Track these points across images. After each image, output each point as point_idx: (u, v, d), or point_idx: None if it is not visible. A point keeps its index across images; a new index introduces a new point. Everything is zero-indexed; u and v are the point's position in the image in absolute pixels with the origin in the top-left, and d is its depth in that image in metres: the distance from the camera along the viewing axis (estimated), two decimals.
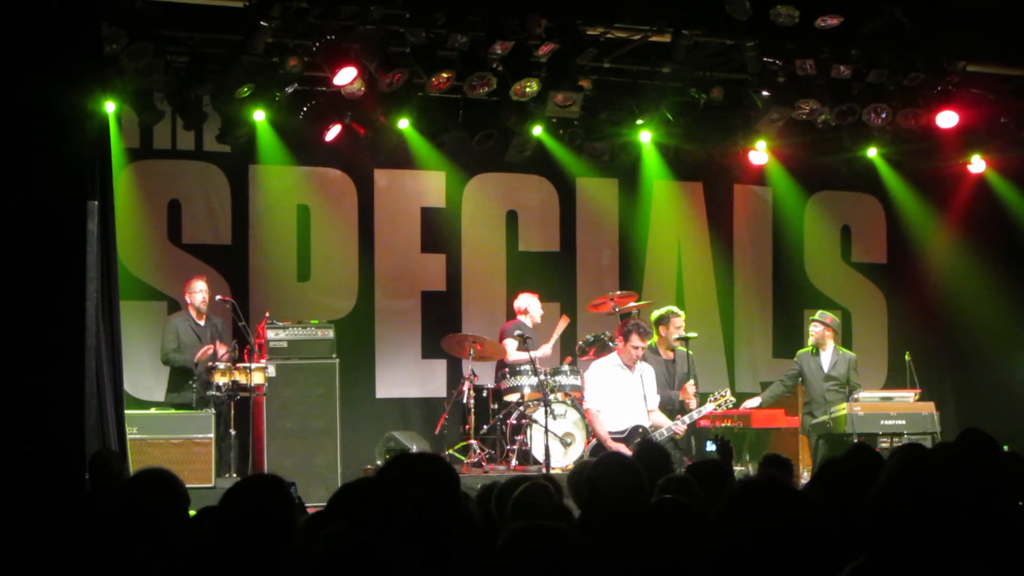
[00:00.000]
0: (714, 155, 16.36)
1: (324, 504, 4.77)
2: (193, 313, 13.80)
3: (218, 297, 13.90)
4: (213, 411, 13.12)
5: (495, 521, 5.94)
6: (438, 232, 16.19)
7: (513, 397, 14.10)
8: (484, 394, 14.32)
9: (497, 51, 12.68)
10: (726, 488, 4.08)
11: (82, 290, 9.29)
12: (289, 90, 13.56)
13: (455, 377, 15.33)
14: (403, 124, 14.48)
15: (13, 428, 7.51)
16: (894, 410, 14.46)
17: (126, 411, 12.20)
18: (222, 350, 13.38)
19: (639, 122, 15.22)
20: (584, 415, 13.48)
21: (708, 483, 6.03)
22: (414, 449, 13.92)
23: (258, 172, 15.39)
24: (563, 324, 15.02)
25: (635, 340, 13.04)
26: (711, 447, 12.44)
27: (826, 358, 14.81)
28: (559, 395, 13.77)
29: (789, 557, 3.65)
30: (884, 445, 13.48)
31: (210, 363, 13.33)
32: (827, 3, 12.56)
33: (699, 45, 13.51)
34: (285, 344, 13.83)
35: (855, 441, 13.63)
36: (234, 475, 13.18)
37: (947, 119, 14.59)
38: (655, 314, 14.15)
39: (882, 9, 12.88)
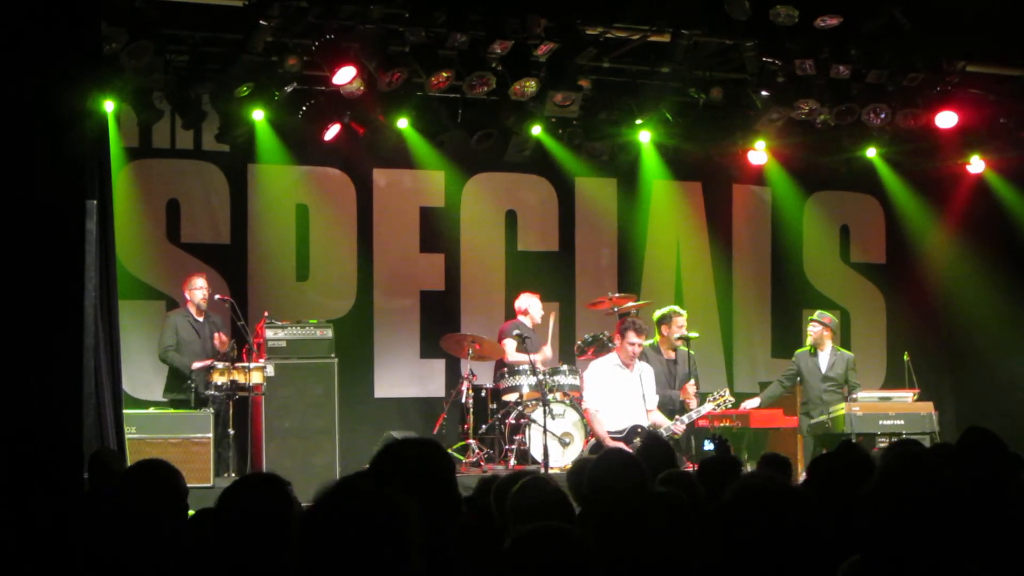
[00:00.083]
0: (713, 155, 16.37)
1: None
2: (192, 310, 13.81)
3: (217, 296, 13.91)
4: (212, 411, 13.11)
5: (494, 515, 5.93)
6: (437, 232, 16.19)
7: (512, 397, 14.09)
8: (483, 394, 14.32)
9: (496, 51, 12.67)
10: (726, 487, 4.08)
11: (81, 290, 9.29)
12: (288, 89, 13.55)
13: (454, 377, 15.33)
14: (402, 123, 14.48)
15: (11, 427, 7.51)
16: (893, 410, 14.47)
17: (124, 410, 12.20)
18: (220, 363, 13.33)
19: (638, 122, 15.23)
20: (583, 415, 13.48)
21: (718, 481, 6.01)
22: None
23: (257, 171, 15.38)
24: (554, 319, 14.99)
25: (631, 337, 13.04)
26: (709, 446, 12.47)
27: (824, 358, 14.80)
28: (558, 395, 13.77)
29: (786, 555, 3.65)
30: (883, 445, 13.46)
31: (208, 363, 13.35)
32: (826, 3, 12.56)
33: (698, 45, 13.51)
34: (284, 344, 13.82)
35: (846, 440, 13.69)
36: (232, 475, 13.17)
37: (946, 119, 14.59)
38: (657, 314, 14.15)
39: (881, 9, 12.87)
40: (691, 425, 13.40)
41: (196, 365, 13.47)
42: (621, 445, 12.22)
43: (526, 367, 13.93)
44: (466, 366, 14.33)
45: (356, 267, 15.84)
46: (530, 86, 13.16)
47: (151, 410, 13.52)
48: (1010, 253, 17.09)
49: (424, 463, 4.63)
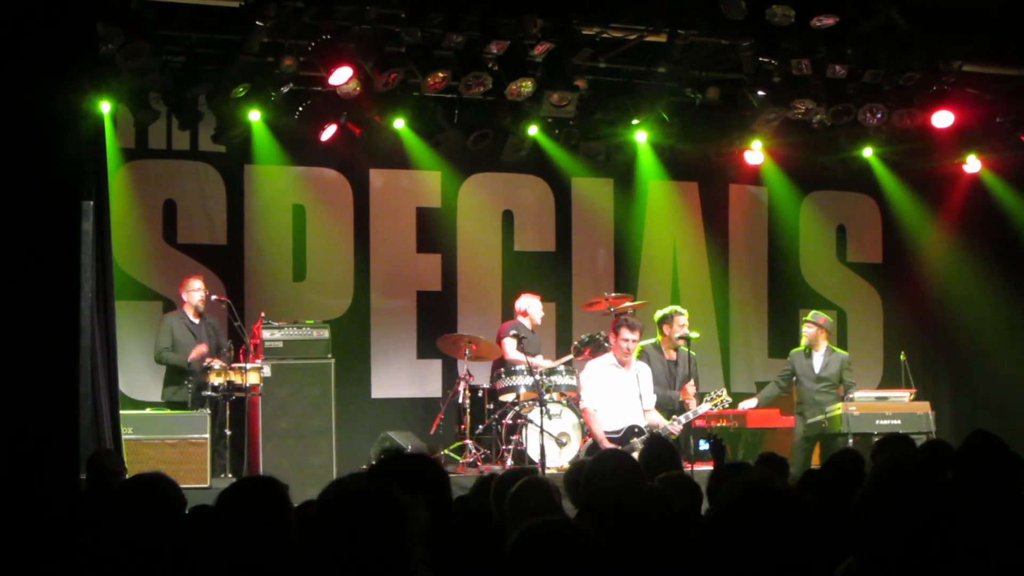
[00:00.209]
0: (710, 155, 16.37)
1: None
2: (190, 312, 13.80)
3: (214, 297, 13.90)
4: (208, 411, 13.10)
5: (492, 513, 5.93)
6: (434, 232, 16.19)
7: (509, 397, 14.10)
8: (480, 394, 14.32)
9: (493, 51, 12.67)
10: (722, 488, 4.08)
11: (78, 290, 9.28)
12: (284, 90, 13.55)
13: (450, 377, 15.32)
14: (399, 124, 14.47)
15: (9, 428, 7.51)
16: (889, 410, 14.49)
17: (121, 411, 12.18)
18: (216, 363, 13.33)
19: (635, 122, 15.23)
20: (581, 416, 13.47)
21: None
22: (409, 449, 13.92)
23: (253, 172, 15.38)
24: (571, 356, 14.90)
25: (624, 333, 13.01)
26: (704, 446, 12.48)
27: (818, 359, 14.80)
28: (554, 395, 13.77)
29: (782, 556, 3.65)
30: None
31: (205, 362, 13.33)
32: (823, 3, 12.56)
33: (695, 45, 13.51)
34: (281, 344, 13.82)
35: (849, 443, 13.70)
36: (229, 475, 13.17)
37: (943, 119, 14.59)
38: (659, 314, 14.15)
39: (878, 9, 12.87)
40: (688, 425, 13.39)
41: (192, 356, 13.45)
42: (617, 447, 12.24)
43: (523, 367, 13.93)
44: (463, 366, 14.33)
45: (353, 267, 15.84)
46: (526, 86, 13.16)
47: (148, 411, 13.51)
48: (1006, 252, 17.10)
49: (420, 474, 4.64)
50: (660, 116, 15.05)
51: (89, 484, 8.60)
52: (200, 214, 15.24)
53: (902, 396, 14.83)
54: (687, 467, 12.13)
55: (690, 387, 13.50)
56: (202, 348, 13.49)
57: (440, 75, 12.82)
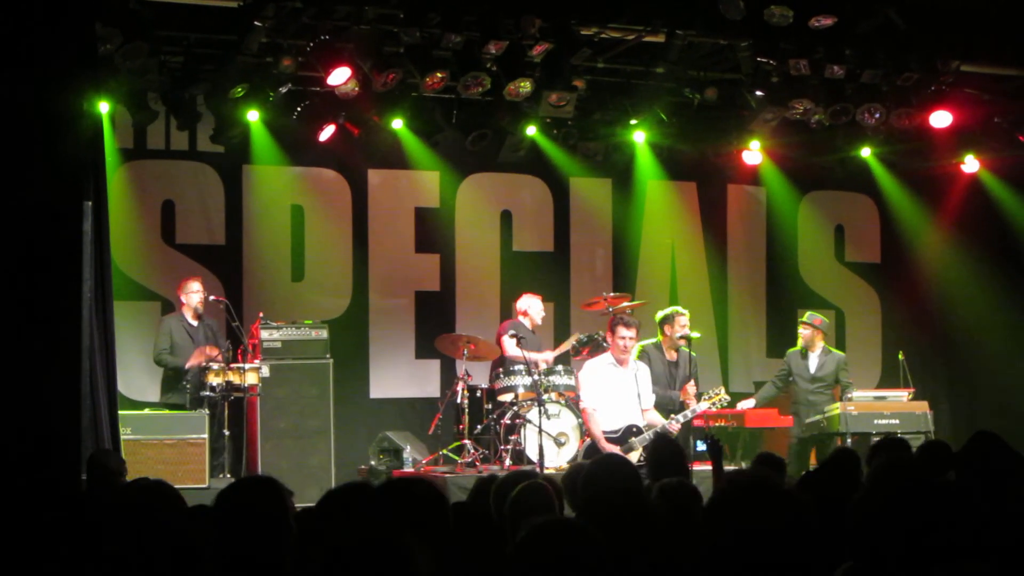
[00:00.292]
0: (708, 155, 16.37)
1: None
2: (188, 314, 13.80)
3: (212, 297, 13.91)
4: (207, 411, 13.10)
5: (492, 516, 5.94)
6: (432, 232, 16.19)
7: (507, 397, 14.09)
8: (478, 394, 14.31)
9: (491, 51, 12.67)
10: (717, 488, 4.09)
11: (79, 291, 9.28)
12: (283, 90, 13.55)
13: (449, 377, 15.33)
14: (397, 124, 14.47)
15: (10, 429, 7.51)
16: (888, 409, 14.50)
17: (120, 411, 12.17)
18: (213, 352, 13.37)
19: (633, 122, 15.23)
20: (580, 416, 13.47)
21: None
22: (407, 449, 13.93)
23: (252, 172, 15.38)
24: (571, 341, 14.92)
25: (621, 330, 12.99)
26: (702, 447, 12.46)
27: (813, 360, 14.83)
28: (553, 395, 13.77)
29: (779, 557, 3.65)
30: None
31: (203, 364, 13.34)
32: (821, 3, 12.56)
33: (693, 45, 13.52)
34: (279, 344, 13.83)
35: (848, 443, 13.70)
36: (228, 475, 13.17)
37: (941, 119, 14.59)
38: (660, 314, 14.15)
39: (876, 9, 12.88)
40: (687, 424, 13.39)
41: (190, 363, 13.47)
42: (615, 449, 12.24)
43: (522, 367, 13.93)
44: (461, 366, 14.33)
45: (351, 268, 15.84)
46: (525, 86, 13.17)
47: (146, 411, 13.51)
48: (1004, 252, 17.12)
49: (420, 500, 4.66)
50: (658, 116, 15.05)
51: (89, 484, 8.61)
52: (198, 214, 15.23)
53: (900, 396, 14.84)
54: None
55: (691, 387, 13.49)
56: (199, 358, 13.46)
57: (438, 75, 12.82)
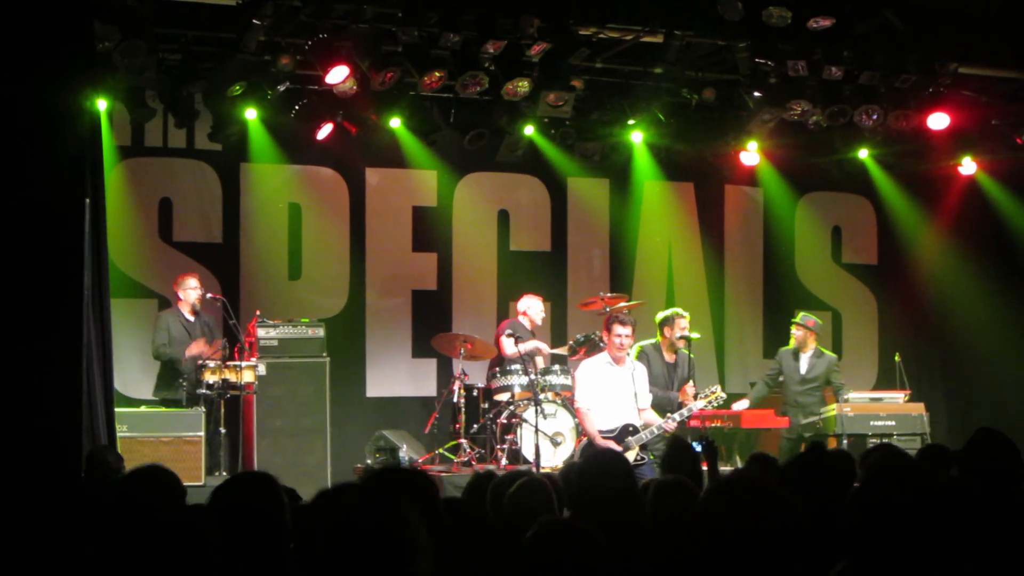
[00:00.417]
0: (705, 155, 16.38)
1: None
2: (185, 310, 13.80)
3: (209, 295, 13.90)
4: (203, 409, 13.11)
5: (488, 513, 5.94)
6: (429, 231, 16.19)
7: (503, 396, 14.10)
8: (474, 393, 14.33)
9: (489, 50, 12.67)
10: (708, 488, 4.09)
11: (80, 288, 9.28)
12: (281, 88, 13.55)
13: (445, 376, 15.34)
14: (395, 123, 14.47)
15: (10, 427, 7.51)
16: (884, 411, 14.51)
17: (116, 409, 12.17)
18: (214, 347, 13.36)
19: (631, 122, 15.24)
20: (575, 416, 13.46)
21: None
22: (404, 448, 13.93)
23: (249, 170, 15.38)
24: (564, 350, 14.93)
25: (617, 328, 12.94)
26: (697, 448, 12.43)
27: (804, 360, 14.85)
28: (549, 395, 13.77)
29: (766, 556, 3.65)
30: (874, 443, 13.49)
31: (199, 361, 13.34)
32: (819, 4, 12.57)
33: (691, 46, 13.52)
34: (276, 343, 13.82)
35: (844, 444, 13.71)
36: (224, 473, 13.18)
37: (938, 121, 14.60)
38: (659, 316, 14.13)
39: (874, 11, 12.89)
40: (683, 424, 13.38)
41: (188, 354, 13.46)
42: (612, 444, 12.24)
43: (518, 367, 13.94)
44: (458, 365, 14.35)
45: (348, 266, 15.84)
46: (523, 86, 13.17)
47: (143, 408, 13.52)
48: (1001, 255, 17.13)
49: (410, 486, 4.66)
50: (656, 116, 15.06)
51: (88, 480, 8.61)
52: (196, 212, 15.23)
53: (897, 397, 14.85)
54: None
55: (689, 388, 13.47)
56: (197, 348, 13.48)
57: (437, 74, 12.82)
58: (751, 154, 16.02)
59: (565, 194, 16.81)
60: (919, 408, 14.66)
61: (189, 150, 15.05)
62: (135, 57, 12.12)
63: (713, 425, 14.28)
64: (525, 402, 13.66)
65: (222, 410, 13.36)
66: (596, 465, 5.95)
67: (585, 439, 13.12)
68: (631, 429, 12.72)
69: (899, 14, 12.98)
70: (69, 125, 8.20)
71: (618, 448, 11.96)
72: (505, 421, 13.77)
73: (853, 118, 14.17)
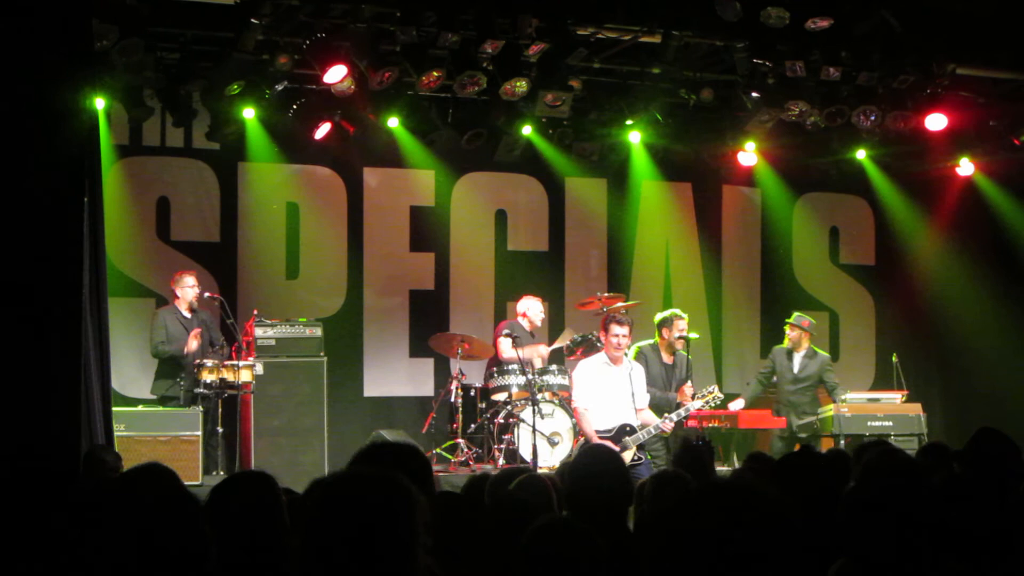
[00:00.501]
0: (703, 156, 16.39)
1: None
2: (183, 307, 13.79)
3: (207, 294, 13.90)
4: (201, 408, 13.12)
5: (486, 510, 5.93)
6: (427, 231, 16.19)
7: (501, 396, 14.11)
8: (472, 393, 14.33)
9: (487, 50, 12.68)
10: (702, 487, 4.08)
11: (78, 287, 9.26)
12: (279, 88, 13.55)
13: (443, 376, 15.34)
14: (393, 123, 14.48)
15: (9, 427, 7.50)
16: (881, 411, 14.53)
17: (114, 408, 12.19)
18: (209, 361, 13.33)
19: (629, 122, 15.25)
20: (573, 416, 13.46)
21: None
22: None
23: (247, 170, 15.38)
24: (567, 336, 14.93)
25: (614, 328, 12.91)
26: None
27: (797, 360, 14.87)
28: (547, 394, 13.78)
29: (754, 556, 3.64)
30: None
31: (197, 360, 13.34)
32: (817, 5, 12.57)
33: (689, 46, 13.52)
34: (273, 342, 13.83)
35: (841, 444, 13.72)
36: (221, 472, 13.18)
37: (936, 122, 14.60)
38: (658, 317, 14.13)
39: (872, 11, 12.89)
40: (681, 424, 13.39)
41: (188, 348, 13.45)
42: (604, 443, 12.22)
43: (515, 366, 13.94)
44: (455, 365, 14.35)
45: (346, 266, 15.84)
46: (521, 86, 13.17)
47: (140, 408, 13.52)
48: (998, 255, 17.15)
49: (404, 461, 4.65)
50: (654, 117, 15.06)
51: (86, 480, 8.60)
52: (193, 211, 15.24)
53: (894, 398, 14.87)
54: None
55: (687, 389, 13.48)
56: (195, 339, 13.48)
57: (434, 74, 12.82)
58: (749, 154, 16.04)
59: (563, 194, 16.82)
60: (916, 408, 14.67)
61: (187, 149, 15.06)
62: (133, 56, 12.12)
63: (710, 425, 14.29)
64: (522, 402, 13.67)
65: (219, 409, 13.36)
66: (589, 459, 5.96)
67: (582, 439, 13.12)
68: (628, 429, 12.72)
69: (897, 15, 12.99)
70: (67, 124, 8.19)
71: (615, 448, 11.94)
72: (502, 421, 13.77)
73: (851, 119, 14.18)
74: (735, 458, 14.63)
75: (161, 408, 13.37)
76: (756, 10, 12.16)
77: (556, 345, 14.87)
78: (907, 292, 17.80)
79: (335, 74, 12.66)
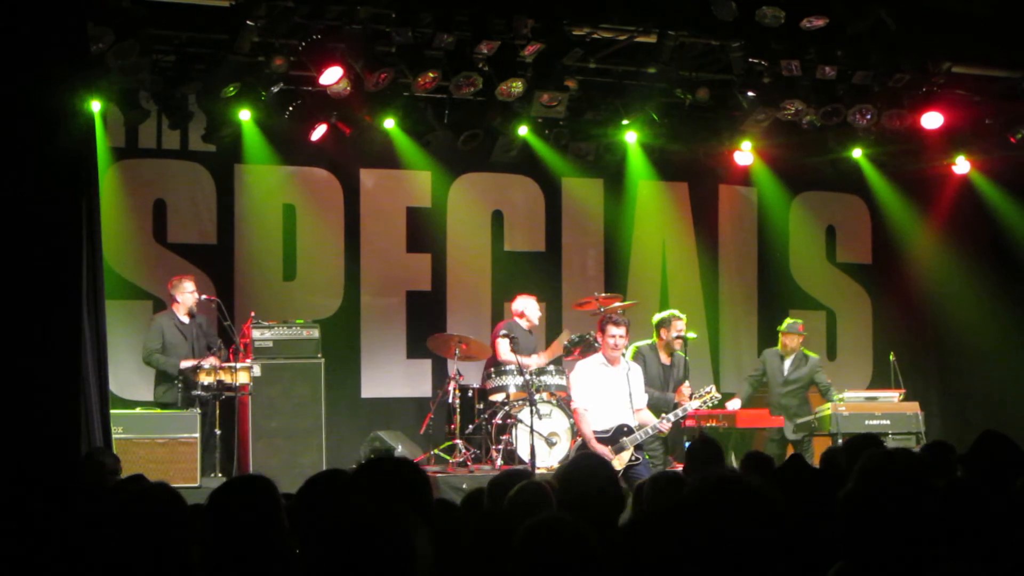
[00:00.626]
0: (699, 155, 16.40)
1: None
2: (181, 312, 13.76)
3: (204, 297, 13.88)
4: (198, 411, 13.09)
5: (489, 514, 5.94)
6: (423, 232, 16.19)
7: (499, 397, 14.10)
8: (469, 394, 14.31)
9: (483, 51, 12.68)
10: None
11: (77, 290, 9.27)
12: (275, 89, 13.55)
13: (440, 377, 15.33)
14: (389, 124, 14.48)
15: (8, 427, 7.50)
16: (879, 410, 14.52)
17: (111, 411, 12.16)
18: (207, 363, 13.31)
19: (625, 122, 15.24)
20: (572, 416, 13.46)
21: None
22: (399, 449, 13.93)
23: (244, 171, 15.37)
24: (564, 338, 14.94)
25: (611, 329, 12.87)
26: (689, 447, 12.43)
27: (788, 362, 14.90)
28: (544, 395, 13.77)
29: (749, 555, 3.64)
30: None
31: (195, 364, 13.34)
32: (813, 4, 12.58)
33: (685, 46, 13.53)
34: (270, 344, 13.82)
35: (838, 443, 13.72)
36: (219, 475, 13.16)
37: (932, 120, 14.62)
38: (656, 317, 14.13)
39: (868, 10, 12.89)
40: (678, 424, 13.38)
41: (184, 364, 13.44)
42: (606, 449, 12.20)
43: (513, 367, 13.93)
44: (453, 366, 14.33)
45: (343, 267, 15.83)
46: (517, 86, 13.17)
47: (138, 410, 13.49)
48: (995, 253, 17.15)
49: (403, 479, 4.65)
50: (650, 116, 15.07)
51: (85, 482, 8.60)
52: (190, 214, 15.23)
53: (891, 396, 14.87)
54: (676, 467, 12.20)
55: (685, 389, 13.48)
56: (192, 361, 13.47)
57: (430, 75, 12.82)
58: (745, 154, 16.05)
59: (559, 194, 16.82)
60: (914, 407, 14.67)
61: (183, 151, 15.04)
62: (129, 58, 12.10)
63: (708, 425, 14.29)
64: (520, 402, 13.66)
65: (217, 411, 13.34)
66: (579, 469, 5.97)
67: (580, 440, 13.11)
68: (626, 429, 12.71)
69: (892, 14, 12.98)
70: (64, 127, 8.20)
71: (610, 456, 11.91)
72: (500, 422, 13.76)
73: (847, 117, 14.20)
74: (733, 458, 14.61)
75: (159, 411, 13.35)
76: (752, 9, 12.18)
77: (552, 354, 14.82)
78: (904, 290, 17.81)
79: (331, 76, 12.66)
